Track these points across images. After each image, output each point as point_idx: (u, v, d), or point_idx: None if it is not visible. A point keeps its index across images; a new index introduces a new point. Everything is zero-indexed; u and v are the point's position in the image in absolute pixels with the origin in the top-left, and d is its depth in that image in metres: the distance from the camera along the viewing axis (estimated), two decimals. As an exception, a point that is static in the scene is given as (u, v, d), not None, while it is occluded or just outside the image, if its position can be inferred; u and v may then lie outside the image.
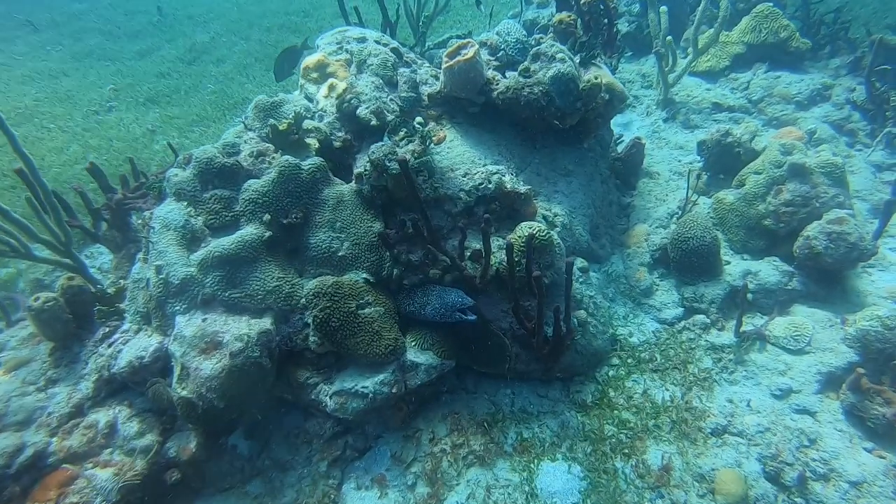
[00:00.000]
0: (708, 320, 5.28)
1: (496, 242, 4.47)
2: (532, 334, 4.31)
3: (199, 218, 4.28)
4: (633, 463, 4.25)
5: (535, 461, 4.23)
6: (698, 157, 6.89)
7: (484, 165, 4.77)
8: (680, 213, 6.09)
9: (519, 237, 4.40)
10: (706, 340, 5.16)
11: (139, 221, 4.70)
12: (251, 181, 4.33)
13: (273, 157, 4.55)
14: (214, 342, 3.79)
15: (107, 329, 4.29)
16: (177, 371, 3.78)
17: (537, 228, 4.39)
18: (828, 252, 5.02)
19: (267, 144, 4.67)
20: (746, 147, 6.15)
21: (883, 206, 5.16)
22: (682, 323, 5.34)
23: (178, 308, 4.00)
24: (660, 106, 8.48)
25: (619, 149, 7.14)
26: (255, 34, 12.74)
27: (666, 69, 8.13)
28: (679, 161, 7.35)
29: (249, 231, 4.14)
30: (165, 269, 4.03)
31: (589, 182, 5.72)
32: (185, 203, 4.31)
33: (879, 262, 5.62)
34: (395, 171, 4.07)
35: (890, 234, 5.86)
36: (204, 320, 3.91)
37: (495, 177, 4.56)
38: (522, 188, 4.59)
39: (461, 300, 4.16)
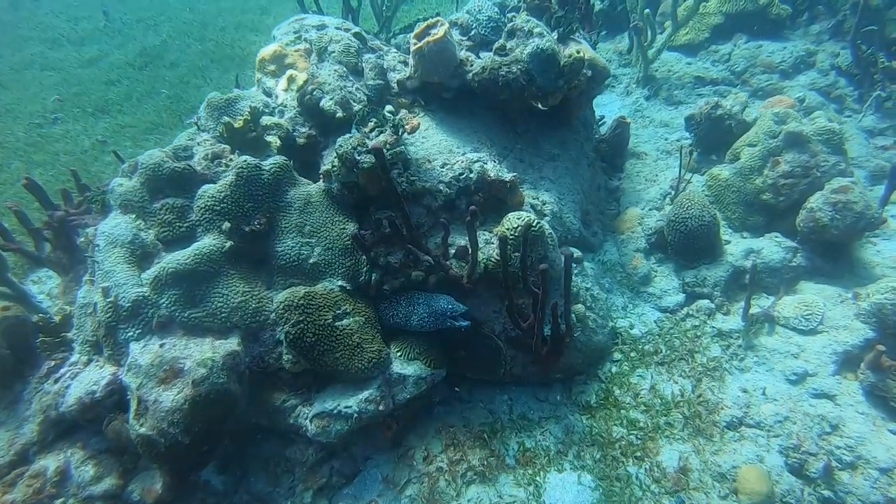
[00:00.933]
0: (712, 305, 5.05)
1: (482, 237, 4.18)
2: (529, 335, 4.03)
3: (150, 231, 3.93)
4: (647, 466, 4.00)
5: (541, 473, 3.96)
6: (687, 134, 6.69)
7: (463, 154, 4.47)
8: (673, 192, 5.85)
9: (509, 229, 4.10)
10: (712, 326, 4.93)
11: (83, 239, 4.29)
12: (207, 186, 3.97)
13: (230, 159, 4.22)
14: (174, 370, 3.44)
15: (52, 363, 3.90)
16: (133, 405, 3.41)
17: (528, 219, 4.09)
18: (834, 223, 4.80)
19: (223, 145, 4.33)
20: (738, 119, 5.94)
21: (889, 170, 4.95)
22: (685, 310, 5.11)
23: (131, 334, 3.63)
24: (640, 84, 8.25)
25: (603, 130, 6.89)
26: (210, 34, 12.24)
27: (645, 44, 7.88)
28: (666, 139, 7.13)
29: (208, 242, 3.80)
30: (114, 290, 3.65)
31: (576, 166, 5.45)
32: (133, 215, 3.95)
33: (883, 230, 5.43)
34: (366, 165, 3.74)
35: (892, 200, 5.67)
36: (161, 346, 3.55)
37: (477, 165, 4.26)
38: (507, 176, 4.30)
39: (451, 307, 3.87)
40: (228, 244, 3.76)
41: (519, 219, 4.14)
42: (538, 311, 3.84)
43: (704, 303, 5.05)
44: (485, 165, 4.27)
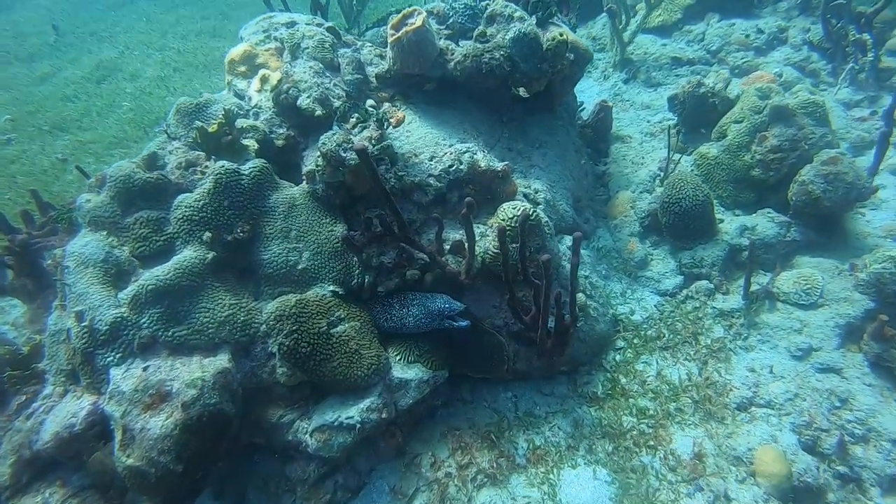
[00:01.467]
0: (711, 285, 5.01)
1: (476, 230, 4.01)
2: (533, 328, 3.91)
3: (125, 247, 3.70)
4: (662, 455, 3.93)
5: (555, 470, 3.84)
6: (671, 114, 6.64)
7: (450, 146, 4.31)
8: (662, 174, 5.80)
9: (505, 220, 3.97)
10: (713, 307, 4.89)
11: (50, 262, 4.02)
12: (183, 196, 3.76)
13: (205, 166, 4.01)
14: (161, 393, 3.22)
15: (23, 397, 3.63)
16: (118, 435, 3.18)
17: (525, 208, 3.96)
18: (827, 195, 4.78)
19: (196, 152, 4.11)
20: (722, 96, 5.91)
21: (878, 137, 4.96)
22: (685, 292, 5.07)
23: (110, 359, 3.39)
24: (617, 67, 8.21)
25: (584, 116, 6.80)
26: (171, 43, 11.88)
27: (619, 27, 7.84)
28: (648, 121, 7.11)
29: (188, 255, 3.59)
30: (88, 313, 3.41)
31: (564, 152, 5.35)
32: (105, 232, 3.71)
33: (872, 201, 5.43)
34: (353, 163, 3.58)
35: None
36: (145, 369, 3.32)
37: (466, 156, 4.12)
38: (498, 165, 4.18)
39: (448, 306, 3.73)
40: (211, 255, 3.56)
41: (515, 209, 4.03)
42: (541, 302, 3.71)
43: (703, 283, 5.00)
44: (475, 156, 4.14)
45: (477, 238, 3.89)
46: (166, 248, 3.70)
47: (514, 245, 3.83)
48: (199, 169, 3.95)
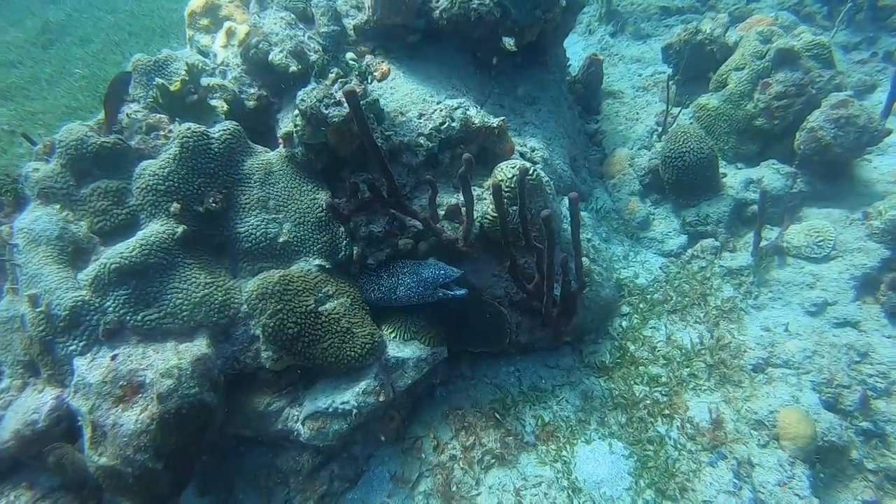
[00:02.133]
0: (717, 243, 4.84)
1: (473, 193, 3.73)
2: (537, 296, 3.69)
3: (82, 222, 3.36)
4: (678, 424, 3.76)
5: (567, 447, 3.65)
6: (664, 66, 6.37)
7: (439, 102, 3.97)
8: (660, 129, 5.56)
9: (503, 180, 3.68)
10: (720, 266, 4.73)
11: (-4, 242, 3.63)
12: (146, 163, 3.40)
13: (169, 130, 3.66)
14: (134, 385, 2.92)
15: (-23, 394, 3.27)
16: (88, 433, 2.88)
17: (522, 166, 3.66)
18: (837, 141, 4.58)
19: (158, 115, 3.76)
20: (720, 43, 5.65)
21: (891, 78, 4.74)
22: (690, 251, 4.90)
23: (73, 347, 3.07)
24: (603, 20, 7.89)
25: (572, 72, 6.50)
26: (123, 5, 11.13)
27: (606, -25, 7.52)
28: (640, 75, 6.86)
29: (155, 229, 3.25)
30: (44, 297, 3.07)
31: (558, 109, 5.08)
32: (58, 205, 3.36)
33: (876, 147, 5.26)
34: (337, 120, 3.25)
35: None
36: (113, 358, 3.01)
37: (458, 112, 3.81)
38: (494, 121, 3.87)
39: (442, 273, 3.47)
40: (181, 229, 3.22)
41: (513, 167, 3.75)
42: (545, 268, 3.47)
43: (709, 241, 4.85)
44: (467, 111, 3.83)
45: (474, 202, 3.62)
46: (129, 222, 3.36)
47: (513, 208, 3.60)
48: (162, 133, 3.61)
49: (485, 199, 3.80)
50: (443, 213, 3.72)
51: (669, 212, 5.16)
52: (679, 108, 5.61)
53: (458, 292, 3.44)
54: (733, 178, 5.06)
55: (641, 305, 4.53)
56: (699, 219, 4.91)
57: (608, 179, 5.52)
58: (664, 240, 5.03)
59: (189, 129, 3.38)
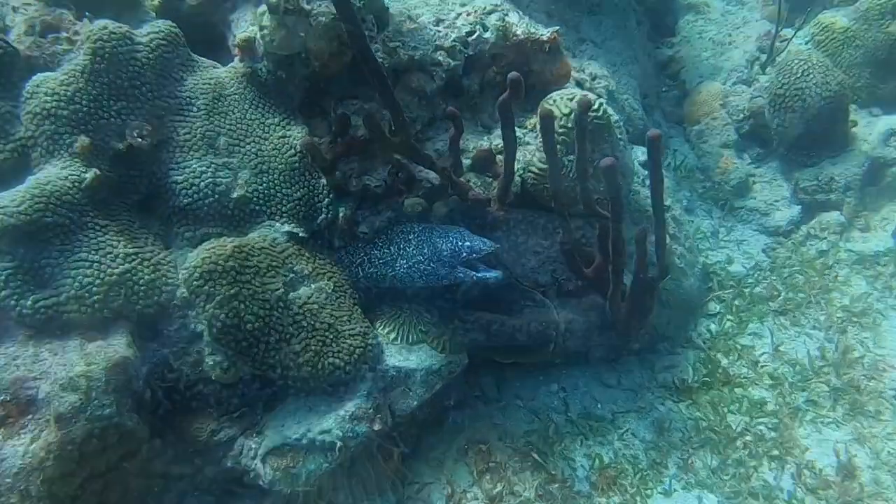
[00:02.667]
0: (843, 218, 4.89)
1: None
2: (599, 285, 3.71)
3: (-59, 162, 3.31)
4: (793, 470, 3.76)
5: (637, 500, 3.65)
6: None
7: (465, 4, 3.93)
8: (766, 56, 5.62)
9: (556, 116, 3.61)
10: (848, 250, 4.82)
11: None
12: (41, 76, 3.36)
13: (75, 31, 3.62)
14: (21, 401, 2.86)
15: None
16: (-48, 469, 2.76)
17: (583, 97, 3.53)
18: None
19: (60, 10, 3.71)
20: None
21: None
22: (805, 228, 4.99)
23: (-73, 344, 3.05)
24: None
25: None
26: None
27: None
28: (733, -20, 6.93)
29: (55, 173, 3.22)
30: None
31: (624, 22, 5.17)
32: None
33: None
34: (323, 20, 3.25)
35: None
36: (-10, 361, 2.99)
37: (493, 18, 3.84)
38: (544, 33, 3.86)
39: (467, 245, 3.37)
40: (91, 174, 3.19)
41: (570, 99, 3.69)
42: (610, 244, 3.40)
43: (833, 216, 4.93)
44: (507, 17, 3.86)
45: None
46: (16, 162, 3.33)
47: (569, 157, 3.59)
48: (65, 35, 3.59)
49: (528, 144, 3.75)
50: (468, 161, 3.72)
51: (777, 172, 5.22)
52: (794, 30, 5.56)
53: (489, 274, 3.36)
54: (868, 127, 5.11)
55: (737, 303, 4.60)
56: (819, 183, 4.95)
57: (690, 125, 5.59)
58: (769, 211, 5.09)
59: (105, 29, 3.35)
